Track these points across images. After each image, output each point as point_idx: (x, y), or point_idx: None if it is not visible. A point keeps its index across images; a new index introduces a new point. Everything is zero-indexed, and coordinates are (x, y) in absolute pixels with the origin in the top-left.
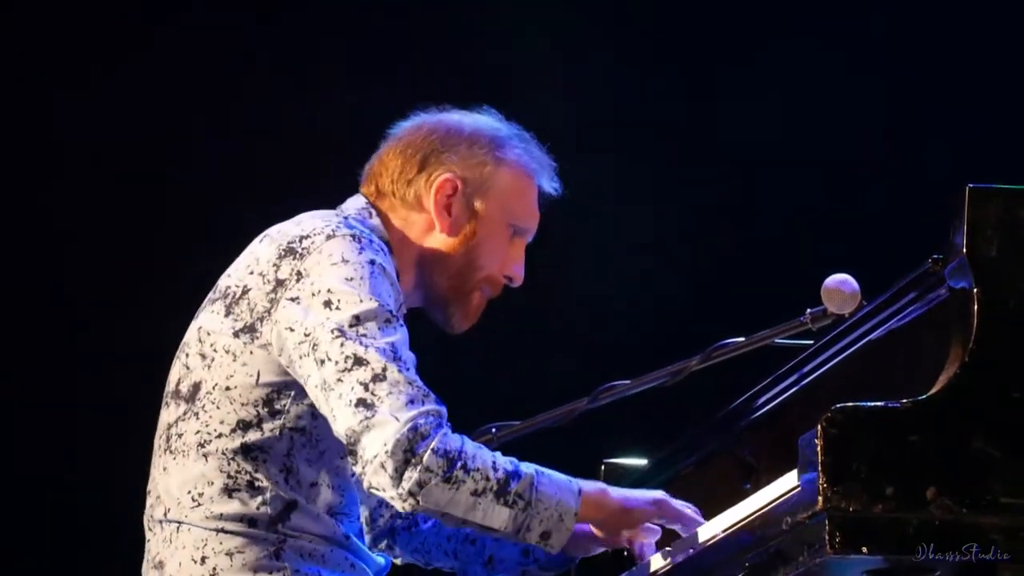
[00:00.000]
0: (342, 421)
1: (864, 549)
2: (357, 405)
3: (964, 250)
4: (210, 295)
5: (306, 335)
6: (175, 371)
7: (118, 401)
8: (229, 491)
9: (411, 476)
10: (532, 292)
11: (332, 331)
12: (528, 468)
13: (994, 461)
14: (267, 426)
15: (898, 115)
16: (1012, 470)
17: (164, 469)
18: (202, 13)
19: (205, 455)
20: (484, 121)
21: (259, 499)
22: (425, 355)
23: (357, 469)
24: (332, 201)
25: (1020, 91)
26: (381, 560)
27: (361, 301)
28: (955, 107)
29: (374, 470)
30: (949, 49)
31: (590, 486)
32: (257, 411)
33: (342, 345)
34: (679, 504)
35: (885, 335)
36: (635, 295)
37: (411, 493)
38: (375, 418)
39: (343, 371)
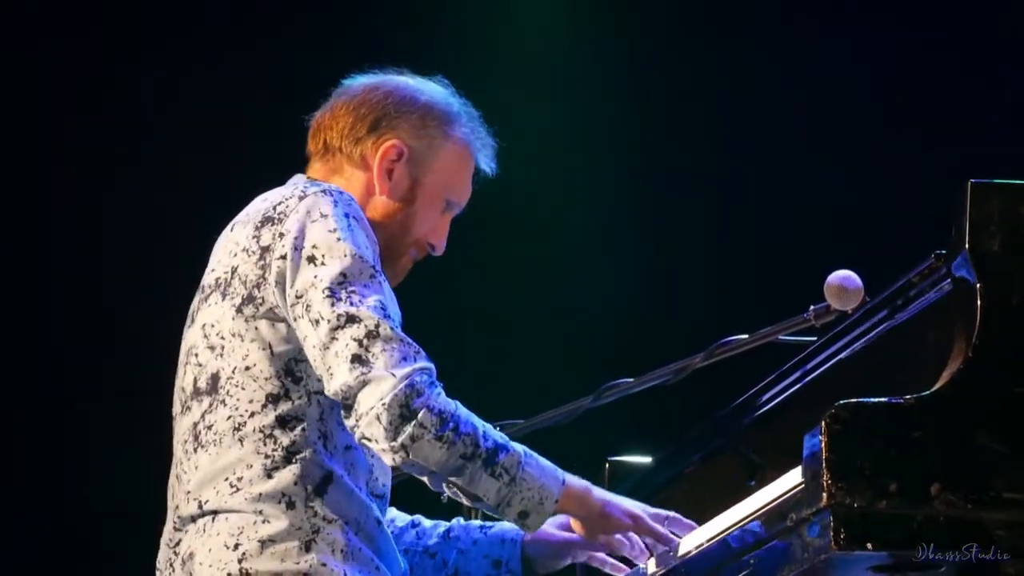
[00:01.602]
0: (338, 377)
1: (869, 545)
2: (353, 361)
3: (967, 246)
4: (199, 298)
5: (298, 297)
6: (188, 376)
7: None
8: (268, 471)
9: (405, 430)
10: (537, 289)
11: (323, 291)
12: (518, 447)
13: (998, 457)
14: (295, 394)
15: (901, 110)
16: (1016, 466)
17: (196, 467)
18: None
19: (240, 439)
20: (439, 94)
21: (298, 470)
22: (430, 352)
23: (350, 423)
24: None
25: (1022, 86)
26: (403, 564)
27: (345, 256)
28: (958, 102)
29: (368, 422)
30: (951, 44)
31: (575, 480)
32: (282, 382)
33: (334, 305)
34: (656, 523)
35: (888, 331)
36: (638, 293)
37: (403, 446)
38: (371, 373)
39: (336, 328)
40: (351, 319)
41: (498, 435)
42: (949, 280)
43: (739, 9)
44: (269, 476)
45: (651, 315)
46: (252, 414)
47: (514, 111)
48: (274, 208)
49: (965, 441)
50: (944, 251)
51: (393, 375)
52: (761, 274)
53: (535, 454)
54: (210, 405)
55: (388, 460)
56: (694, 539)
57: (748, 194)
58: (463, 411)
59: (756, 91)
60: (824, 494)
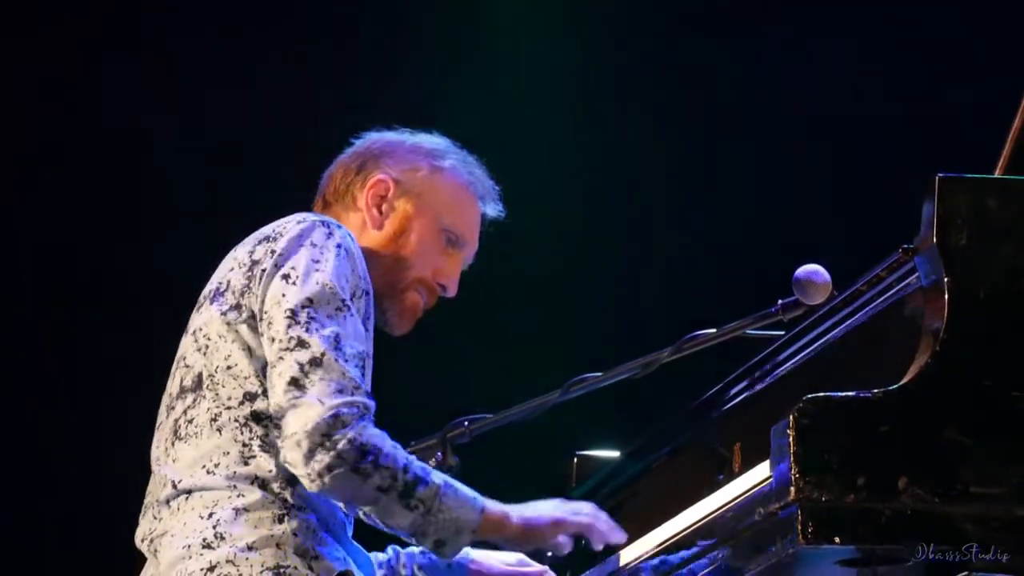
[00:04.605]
0: (275, 396)
1: (836, 539)
2: (290, 383)
3: (934, 240)
4: (194, 311)
5: (264, 311)
6: (176, 378)
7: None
8: (245, 459)
9: (322, 459)
10: (503, 285)
11: (285, 311)
12: (438, 478)
13: (965, 450)
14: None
15: (868, 104)
16: (983, 459)
17: (174, 460)
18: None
19: (219, 428)
20: (426, 137)
21: (273, 461)
22: (398, 348)
23: (279, 443)
24: None
25: (990, 80)
26: (376, 571)
27: (317, 283)
28: (925, 96)
29: (290, 446)
30: (920, 38)
31: (494, 507)
32: (260, 381)
33: (289, 327)
34: (577, 517)
35: (856, 325)
36: (606, 287)
37: (319, 474)
38: (302, 399)
39: (285, 350)
40: (301, 344)
41: (419, 467)
42: (917, 274)
43: (715, 10)
44: (246, 463)
45: (619, 309)
46: (229, 407)
47: (485, 114)
48: (273, 230)
49: (933, 435)
50: (912, 245)
51: (321, 403)
52: (729, 268)
53: (456, 484)
54: (193, 401)
55: (307, 485)
56: (653, 539)
57: (717, 188)
58: (388, 444)
59: (724, 88)
60: (792, 488)
